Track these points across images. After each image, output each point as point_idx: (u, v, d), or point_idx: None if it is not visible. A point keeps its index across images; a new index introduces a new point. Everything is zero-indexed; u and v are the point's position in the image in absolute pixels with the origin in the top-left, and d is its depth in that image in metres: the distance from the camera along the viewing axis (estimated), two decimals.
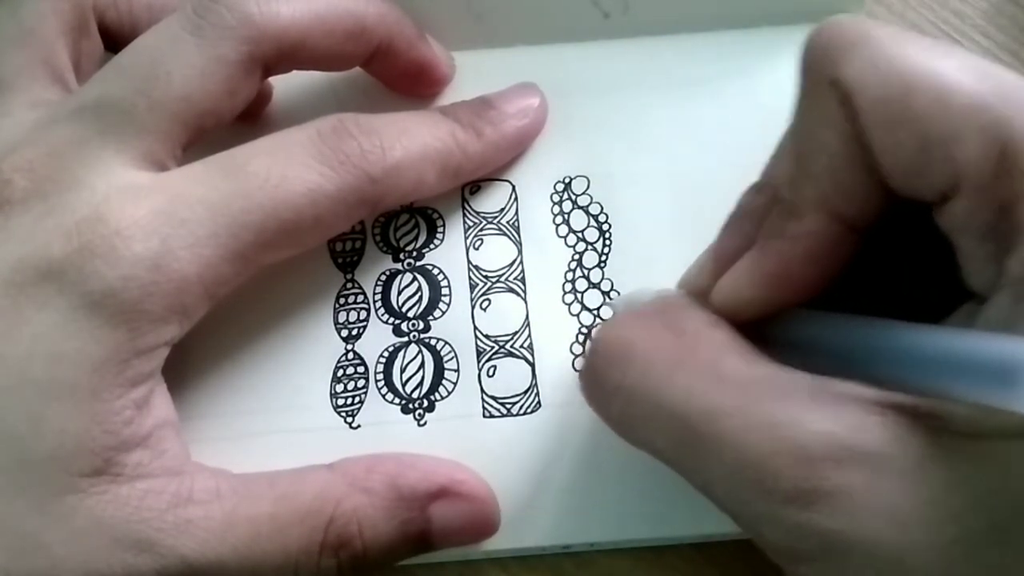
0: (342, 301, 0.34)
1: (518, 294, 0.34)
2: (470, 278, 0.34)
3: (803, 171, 0.24)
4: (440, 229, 0.34)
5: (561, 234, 0.34)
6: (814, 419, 0.22)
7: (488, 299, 0.33)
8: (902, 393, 0.22)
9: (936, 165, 0.22)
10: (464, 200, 0.35)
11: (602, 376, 0.26)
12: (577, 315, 0.33)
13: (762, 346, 0.25)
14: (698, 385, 0.24)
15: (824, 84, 0.23)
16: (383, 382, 0.33)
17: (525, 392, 0.33)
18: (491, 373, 0.33)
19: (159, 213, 0.27)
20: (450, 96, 0.36)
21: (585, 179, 0.35)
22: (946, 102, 0.22)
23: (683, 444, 0.24)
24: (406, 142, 0.30)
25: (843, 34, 0.23)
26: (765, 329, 0.26)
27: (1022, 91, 0.21)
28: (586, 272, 0.34)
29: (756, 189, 0.28)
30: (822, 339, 0.25)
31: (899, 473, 0.21)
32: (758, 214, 0.26)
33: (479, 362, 0.33)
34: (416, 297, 0.34)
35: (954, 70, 0.22)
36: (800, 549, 0.22)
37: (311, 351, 0.33)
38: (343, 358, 0.33)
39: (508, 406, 0.32)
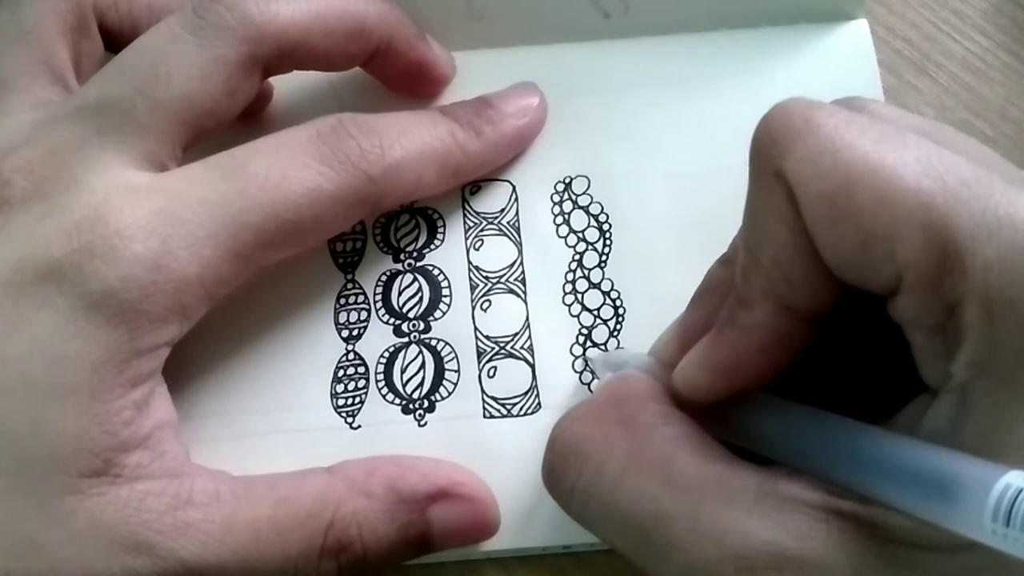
0: (343, 301, 0.34)
1: (518, 295, 0.34)
2: (470, 279, 0.34)
3: (752, 262, 0.24)
4: (440, 229, 0.34)
5: (561, 234, 0.34)
6: (758, 526, 0.22)
7: (489, 300, 0.33)
8: (848, 490, 0.22)
9: (879, 262, 0.21)
10: (464, 200, 0.35)
11: (559, 476, 0.26)
12: (577, 316, 0.33)
13: (722, 425, 0.25)
14: (648, 487, 0.24)
15: (769, 174, 0.23)
16: (383, 382, 0.33)
17: (525, 393, 0.32)
18: (491, 374, 0.33)
19: (159, 213, 0.27)
20: (450, 96, 0.36)
21: (585, 179, 0.35)
22: (888, 199, 0.21)
23: (636, 546, 0.24)
24: (405, 142, 0.30)
25: (789, 122, 0.23)
26: (725, 411, 0.26)
27: (968, 187, 0.21)
28: (586, 272, 0.34)
29: (722, 262, 0.28)
30: (776, 429, 0.25)
31: None
32: (723, 289, 0.26)
33: (479, 363, 0.33)
34: (417, 298, 0.34)
35: (899, 164, 0.21)
36: None
37: (311, 351, 0.33)
38: (343, 358, 0.33)
39: (508, 407, 0.32)
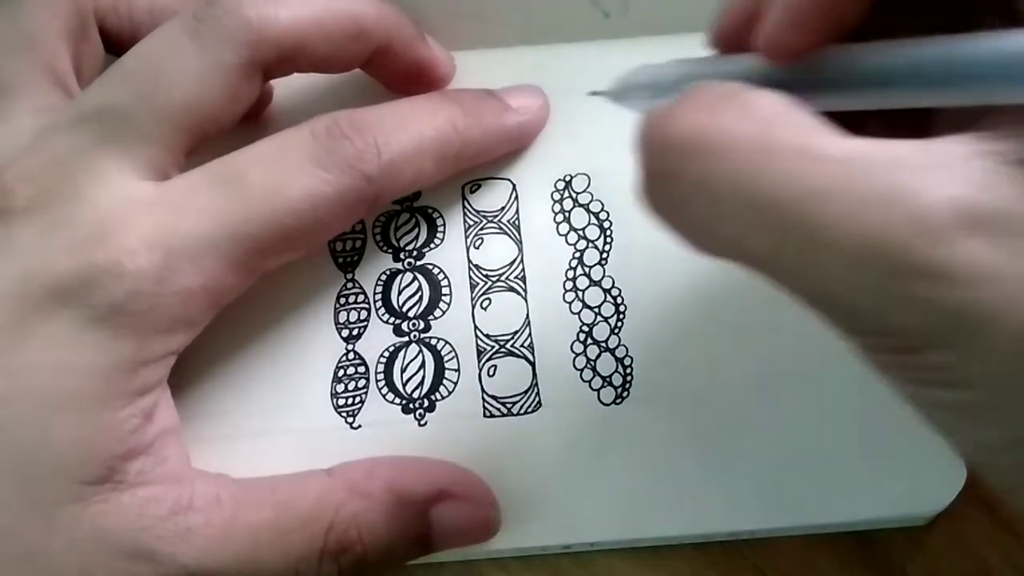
0: (343, 301, 0.34)
1: (519, 293, 0.34)
2: (470, 277, 0.34)
3: None
4: (440, 228, 0.34)
5: (562, 232, 0.34)
6: (936, 184, 0.19)
7: (488, 298, 0.33)
8: (988, 105, 0.20)
9: None
10: (464, 199, 0.35)
11: (675, 176, 0.22)
12: (578, 313, 0.33)
13: (823, 98, 0.22)
14: (797, 167, 0.20)
15: None
16: (384, 382, 0.33)
17: (526, 392, 0.33)
18: (492, 373, 0.33)
19: (161, 226, 0.27)
20: None
21: (586, 177, 0.35)
22: None
23: (783, 236, 0.20)
24: (401, 136, 0.30)
25: None
26: (820, 76, 0.23)
27: None
28: (587, 270, 0.34)
29: None
30: (886, 67, 0.22)
31: None
32: None
33: (479, 362, 0.33)
34: (416, 297, 0.34)
35: None
36: (934, 331, 0.19)
37: (312, 351, 0.33)
38: (343, 358, 0.33)
39: (509, 406, 0.32)
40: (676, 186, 0.22)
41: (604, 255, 0.34)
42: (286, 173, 0.28)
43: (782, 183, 0.20)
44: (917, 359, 0.20)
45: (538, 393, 0.33)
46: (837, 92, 0.22)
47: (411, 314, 0.33)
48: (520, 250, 0.34)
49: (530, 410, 0.32)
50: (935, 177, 0.19)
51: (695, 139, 0.22)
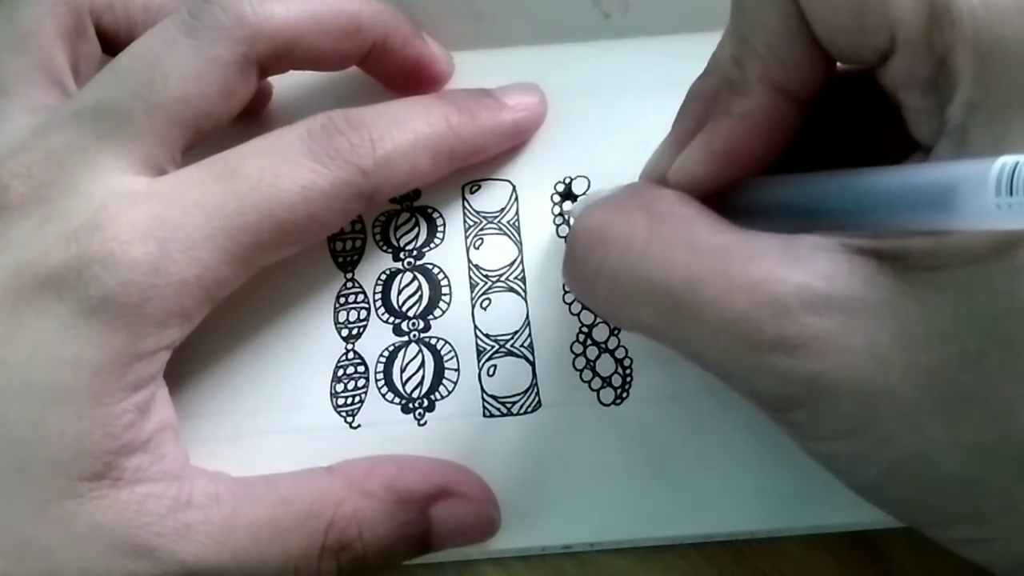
0: (342, 300, 0.34)
1: (518, 293, 0.34)
2: (470, 277, 0.34)
3: (746, 49, 0.25)
4: (440, 228, 0.34)
5: (562, 234, 0.34)
6: (788, 273, 0.23)
7: (488, 298, 0.33)
8: (861, 237, 0.23)
9: (872, 26, 0.23)
10: (464, 199, 0.35)
11: (583, 261, 0.27)
12: (578, 314, 0.33)
13: (728, 216, 0.26)
14: (676, 256, 0.24)
15: None
16: (383, 382, 0.33)
17: (525, 391, 0.33)
18: (491, 372, 0.33)
19: (156, 218, 0.27)
20: None
21: (586, 180, 0.35)
22: None
23: (668, 315, 0.25)
24: (396, 132, 0.30)
25: None
26: (726, 201, 0.27)
27: None
28: None
29: (704, 75, 0.29)
30: (777, 198, 0.26)
31: (871, 313, 0.22)
32: (708, 97, 0.27)
33: (479, 361, 0.33)
34: (416, 296, 0.34)
35: None
36: (790, 395, 0.23)
37: (311, 351, 0.33)
38: (343, 358, 0.33)
39: (508, 405, 0.32)
40: (585, 271, 0.27)
41: None
42: (281, 166, 0.28)
43: (663, 271, 0.25)
44: (784, 416, 0.24)
45: (538, 393, 0.33)
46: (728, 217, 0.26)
47: (411, 314, 0.33)
48: (520, 251, 0.34)
49: (530, 410, 0.32)
50: (788, 267, 0.23)
51: (599, 232, 0.27)
